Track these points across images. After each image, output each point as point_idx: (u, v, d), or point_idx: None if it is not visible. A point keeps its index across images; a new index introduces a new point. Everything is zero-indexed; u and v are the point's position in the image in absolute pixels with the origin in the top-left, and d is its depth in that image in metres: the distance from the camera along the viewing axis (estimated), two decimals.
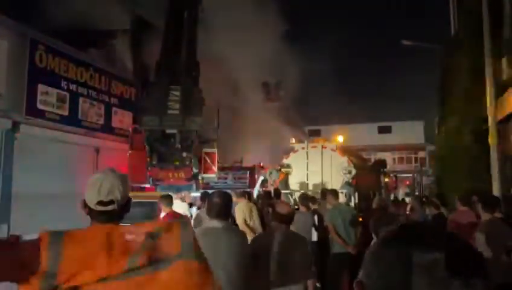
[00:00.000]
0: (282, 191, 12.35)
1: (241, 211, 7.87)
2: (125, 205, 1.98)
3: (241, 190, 10.54)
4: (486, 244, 4.60)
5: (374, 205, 7.43)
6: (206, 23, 16.27)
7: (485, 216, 4.96)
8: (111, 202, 1.91)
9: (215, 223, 3.42)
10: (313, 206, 8.67)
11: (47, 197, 13.08)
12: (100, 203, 1.90)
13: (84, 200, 1.94)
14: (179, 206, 9.38)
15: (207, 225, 3.59)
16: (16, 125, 13.58)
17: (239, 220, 7.68)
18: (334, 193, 8.13)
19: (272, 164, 15.68)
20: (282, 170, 14.02)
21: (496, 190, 8.90)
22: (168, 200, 7.32)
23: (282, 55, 23.42)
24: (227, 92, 20.13)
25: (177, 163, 12.51)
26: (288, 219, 3.99)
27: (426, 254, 0.74)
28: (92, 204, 1.91)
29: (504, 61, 9.76)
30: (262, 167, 16.42)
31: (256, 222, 7.84)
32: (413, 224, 0.83)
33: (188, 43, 14.11)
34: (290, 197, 12.89)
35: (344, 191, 12.43)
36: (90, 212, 1.93)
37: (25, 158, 13.77)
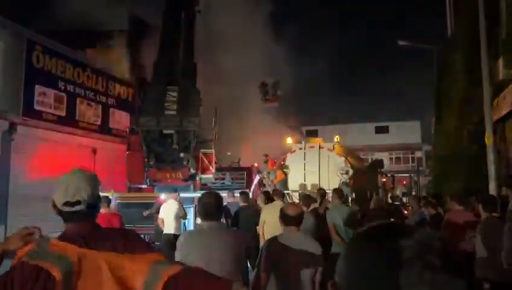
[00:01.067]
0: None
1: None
2: (94, 205, 1.98)
3: (281, 190, 10.34)
4: (482, 244, 4.62)
5: (372, 205, 7.44)
6: (204, 24, 16.27)
7: (484, 215, 4.99)
8: (77, 203, 1.90)
9: (207, 224, 3.43)
10: (312, 206, 8.67)
11: (44, 197, 13.06)
12: (66, 204, 1.90)
13: (54, 201, 1.94)
14: (173, 207, 9.36)
15: (199, 226, 3.58)
16: (13, 126, 13.55)
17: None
18: (339, 192, 8.10)
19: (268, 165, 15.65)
20: (283, 170, 13.98)
21: (493, 190, 8.93)
22: (104, 200, 7.11)
23: (280, 56, 23.45)
24: (224, 93, 20.13)
25: (174, 163, 12.52)
26: (298, 220, 3.83)
27: (396, 243, 0.74)
28: (59, 205, 1.91)
29: (500, 61, 9.79)
30: (260, 168, 16.42)
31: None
32: (383, 221, 0.83)
33: (185, 43, 14.11)
34: (288, 198, 12.88)
35: None
36: (60, 213, 1.93)
37: (22, 159, 13.75)
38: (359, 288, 0.75)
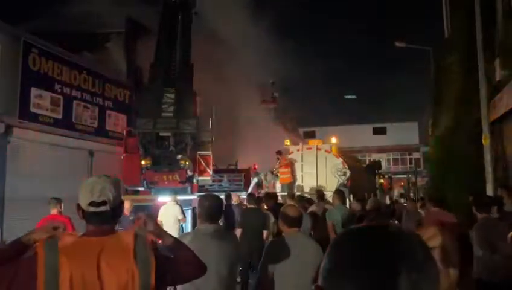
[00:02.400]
0: (281, 194, 12.29)
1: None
2: (117, 207, 2.01)
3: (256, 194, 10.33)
4: (477, 244, 4.64)
5: (368, 207, 7.42)
6: (201, 26, 16.25)
7: (480, 216, 5.01)
8: (103, 203, 1.93)
9: (206, 226, 3.41)
10: (309, 209, 8.67)
11: (40, 200, 13.00)
12: (92, 204, 1.92)
13: (78, 203, 1.97)
14: (172, 209, 9.32)
15: (198, 228, 3.56)
16: (9, 129, 13.49)
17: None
18: (341, 194, 8.11)
19: (266, 167, 15.62)
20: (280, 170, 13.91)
21: (490, 191, 8.94)
22: (55, 202, 7.04)
23: (278, 58, 23.46)
24: (221, 95, 20.11)
25: (171, 166, 12.47)
26: (299, 221, 3.89)
27: (380, 244, 0.75)
28: (84, 205, 1.93)
29: (497, 62, 9.80)
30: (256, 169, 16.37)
31: None
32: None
33: (182, 45, 14.09)
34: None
35: None
36: (84, 214, 1.95)
37: (18, 162, 13.68)
38: (341, 287, 0.74)
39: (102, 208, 1.93)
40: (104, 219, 1.95)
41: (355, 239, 0.78)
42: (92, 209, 1.93)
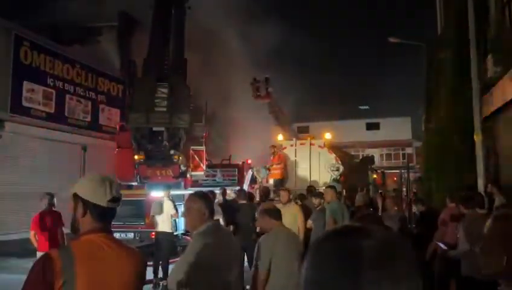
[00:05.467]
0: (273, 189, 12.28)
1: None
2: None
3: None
4: (464, 238, 4.65)
5: (357, 203, 7.46)
6: (194, 20, 16.17)
7: (467, 212, 5.06)
8: (119, 199, 1.97)
9: (212, 223, 3.31)
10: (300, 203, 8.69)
11: (33, 195, 12.97)
12: (113, 199, 1.94)
13: (84, 203, 1.92)
14: (166, 205, 9.31)
15: (209, 225, 3.42)
16: (0, 123, 13.40)
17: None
18: (334, 189, 8.18)
19: (259, 161, 15.63)
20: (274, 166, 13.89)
21: (481, 187, 9.01)
22: (48, 197, 7.02)
23: (272, 52, 23.46)
24: (215, 89, 20.05)
25: (165, 161, 12.44)
26: (279, 214, 4.07)
27: (357, 243, 0.76)
28: (104, 202, 1.91)
29: (489, 59, 9.86)
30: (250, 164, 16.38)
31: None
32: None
33: (175, 40, 14.03)
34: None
35: None
36: (94, 212, 1.91)
37: (9, 156, 13.59)
38: (322, 288, 0.75)
39: (116, 205, 1.96)
40: (112, 216, 1.98)
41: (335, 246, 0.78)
42: (111, 205, 1.93)
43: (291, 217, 6.74)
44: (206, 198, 3.37)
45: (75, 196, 1.95)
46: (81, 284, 1.74)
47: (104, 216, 1.94)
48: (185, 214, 3.21)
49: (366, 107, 38.42)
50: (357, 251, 0.74)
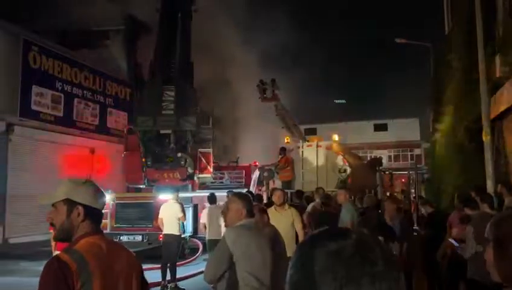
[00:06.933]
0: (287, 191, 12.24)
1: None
2: None
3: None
4: (472, 239, 4.60)
5: (364, 205, 7.41)
6: (201, 23, 16.23)
7: (472, 213, 5.02)
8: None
9: (251, 220, 3.25)
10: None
11: None
12: (104, 202, 2.11)
13: (85, 208, 1.95)
14: (173, 207, 9.32)
15: (251, 221, 3.29)
16: (10, 127, 13.54)
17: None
18: (347, 190, 8.14)
19: (267, 163, 15.60)
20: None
21: (490, 188, 8.93)
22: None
23: (279, 54, 23.46)
24: (222, 92, 20.10)
25: (172, 161, 12.45)
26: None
27: (337, 243, 0.80)
28: (100, 205, 2.03)
29: (497, 59, 9.78)
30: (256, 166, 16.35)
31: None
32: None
33: (181, 43, 14.08)
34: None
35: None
36: (93, 215, 1.98)
37: (19, 159, 13.72)
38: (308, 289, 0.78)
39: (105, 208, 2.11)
40: (101, 217, 2.09)
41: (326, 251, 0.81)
42: (103, 207, 2.07)
43: (287, 221, 6.14)
44: (246, 198, 3.43)
45: (70, 202, 1.96)
46: (96, 284, 1.78)
47: (100, 218, 2.05)
48: (224, 212, 3.36)
49: (343, 101, 38.17)
50: (337, 252, 0.78)
